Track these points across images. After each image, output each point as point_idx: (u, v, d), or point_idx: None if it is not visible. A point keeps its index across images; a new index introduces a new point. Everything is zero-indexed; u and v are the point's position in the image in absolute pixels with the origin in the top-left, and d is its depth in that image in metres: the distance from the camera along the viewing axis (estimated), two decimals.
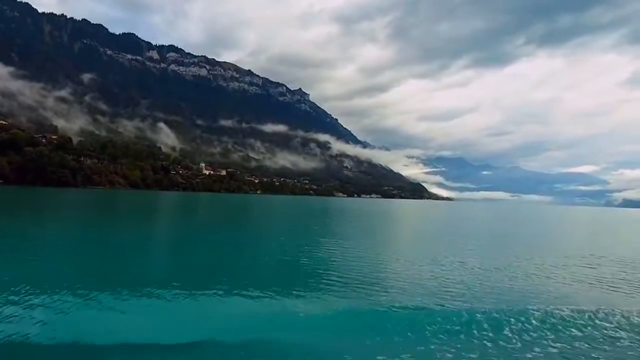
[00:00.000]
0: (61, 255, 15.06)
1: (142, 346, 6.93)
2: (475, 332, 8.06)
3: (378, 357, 6.79)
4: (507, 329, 8.27)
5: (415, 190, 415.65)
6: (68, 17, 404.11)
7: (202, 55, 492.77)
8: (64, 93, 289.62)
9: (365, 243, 22.22)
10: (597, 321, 8.94)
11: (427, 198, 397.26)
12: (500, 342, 7.65)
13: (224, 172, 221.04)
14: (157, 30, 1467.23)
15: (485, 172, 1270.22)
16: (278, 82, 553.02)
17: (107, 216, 37.43)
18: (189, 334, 7.37)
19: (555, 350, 7.42)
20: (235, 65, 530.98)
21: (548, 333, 8.20)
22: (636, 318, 9.27)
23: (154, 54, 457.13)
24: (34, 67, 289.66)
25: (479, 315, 8.80)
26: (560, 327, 8.55)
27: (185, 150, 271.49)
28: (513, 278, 13.41)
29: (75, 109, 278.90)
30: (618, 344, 7.88)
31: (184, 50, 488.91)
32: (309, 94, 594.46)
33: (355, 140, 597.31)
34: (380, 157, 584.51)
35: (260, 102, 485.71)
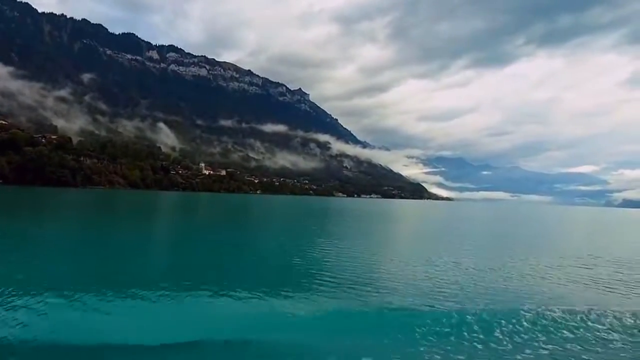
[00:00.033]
0: (60, 256, 15.03)
1: (137, 346, 6.97)
2: (465, 333, 7.99)
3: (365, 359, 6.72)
4: (498, 330, 8.19)
5: (415, 191, 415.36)
6: (68, 17, 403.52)
7: (202, 55, 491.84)
8: (63, 93, 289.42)
9: (361, 243, 22.17)
10: (589, 322, 8.87)
11: (427, 198, 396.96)
12: (491, 344, 7.58)
13: (223, 172, 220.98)
14: (157, 30, 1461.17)
15: (485, 172, 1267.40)
16: (278, 82, 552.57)
17: (106, 216, 37.39)
18: (183, 334, 7.39)
19: (546, 352, 7.35)
20: (235, 65, 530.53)
21: (539, 335, 8.13)
22: (629, 319, 9.18)
23: (154, 54, 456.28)
24: (34, 67, 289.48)
25: (470, 317, 8.73)
26: (552, 328, 8.48)
27: (185, 150, 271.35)
28: (507, 279, 13.35)
29: (75, 109, 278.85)
30: (610, 345, 7.81)
31: (183, 50, 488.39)
32: (308, 94, 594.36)
33: (355, 140, 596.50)
34: (380, 157, 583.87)
35: (260, 102, 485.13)
